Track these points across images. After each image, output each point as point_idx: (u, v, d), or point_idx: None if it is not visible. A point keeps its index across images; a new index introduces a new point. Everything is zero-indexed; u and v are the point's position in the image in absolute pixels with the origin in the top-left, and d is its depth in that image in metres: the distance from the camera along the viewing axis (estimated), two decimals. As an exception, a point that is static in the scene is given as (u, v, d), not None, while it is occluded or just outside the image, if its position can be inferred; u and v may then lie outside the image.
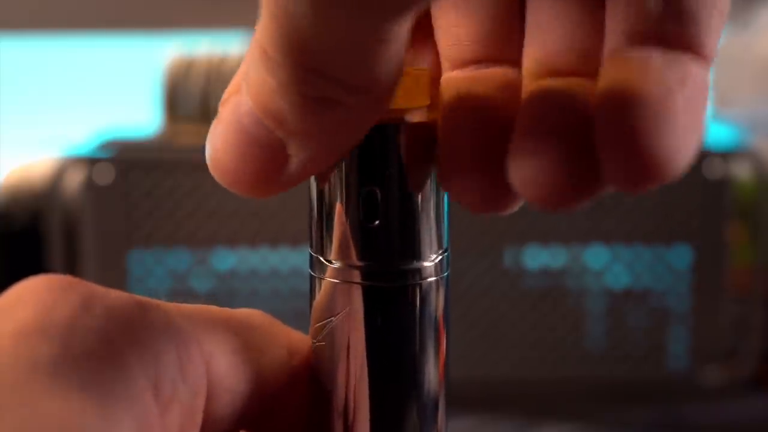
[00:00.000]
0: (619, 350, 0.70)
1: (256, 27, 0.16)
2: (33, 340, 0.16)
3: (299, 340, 0.20)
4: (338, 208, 0.18)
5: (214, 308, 0.19)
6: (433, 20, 0.20)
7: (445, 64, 0.20)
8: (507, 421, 0.64)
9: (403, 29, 0.16)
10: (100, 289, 0.17)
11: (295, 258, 0.68)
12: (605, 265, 0.69)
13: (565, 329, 0.69)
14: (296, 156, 0.17)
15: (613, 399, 0.68)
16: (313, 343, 0.20)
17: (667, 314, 0.69)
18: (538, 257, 0.69)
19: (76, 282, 0.17)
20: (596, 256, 0.69)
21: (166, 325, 0.17)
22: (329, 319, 0.19)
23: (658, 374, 0.70)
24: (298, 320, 0.70)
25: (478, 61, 0.19)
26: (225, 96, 0.18)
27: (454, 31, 0.20)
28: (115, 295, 0.17)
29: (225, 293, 0.68)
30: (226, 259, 0.68)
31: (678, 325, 0.69)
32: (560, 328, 0.69)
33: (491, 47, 0.19)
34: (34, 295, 0.17)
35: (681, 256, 0.69)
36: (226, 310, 0.19)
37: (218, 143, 0.18)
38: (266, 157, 0.17)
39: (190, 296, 0.67)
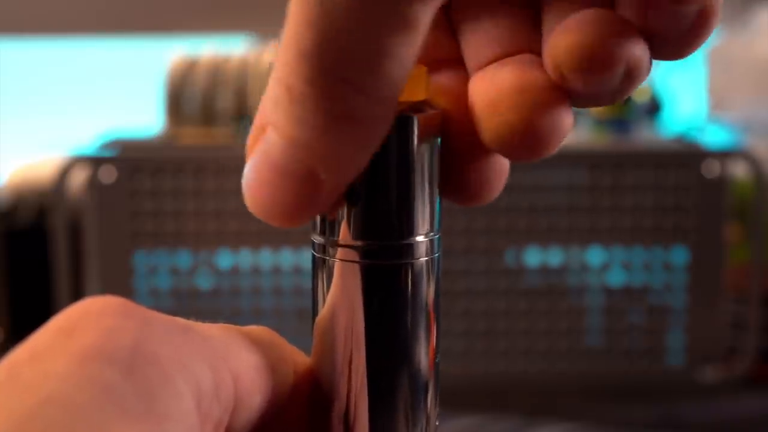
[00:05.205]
0: (618, 348, 0.70)
1: (273, 65, 0.18)
2: (99, 365, 0.17)
3: (301, 359, 0.21)
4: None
5: (233, 327, 0.20)
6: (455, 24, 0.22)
7: (469, 65, 0.21)
8: (507, 417, 0.65)
9: (425, 22, 0.17)
10: (151, 314, 0.18)
11: (296, 257, 0.68)
12: (605, 263, 0.70)
13: (564, 326, 0.70)
14: (328, 178, 0.18)
15: (612, 395, 0.69)
16: (314, 318, 0.21)
17: (665, 313, 0.70)
18: (538, 256, 0.69)
19: (131, 307, 0.18)
20: (596, 256, 0.70)
21: (203, 347, 0.19)
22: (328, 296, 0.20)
23: (656, 372, 0.71)
24: (300, 318, 0.70)
25: (498, 58, 0.21)
26: (250, 141, 0.19)
27: (473, 33, 0.21)
28: (164, 319, 0.18)
29: (227, 291, 0.68)
30: (229, 258, 0.68)
31: (676, 324, 0.70)
32: (560, 326, 0.70)
33: (511, 43, 0.21)
34: (94, 319, 0.18)
35: (679, 255, 0.69)
36: (241, 328, 0.21)
37: (254, 184, 0.19)
38: (300, 187, 0.18)
39: (193, 294, 0.68)
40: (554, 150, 0.19)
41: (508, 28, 0.20)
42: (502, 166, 0.21)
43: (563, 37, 0.18)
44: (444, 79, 0.21)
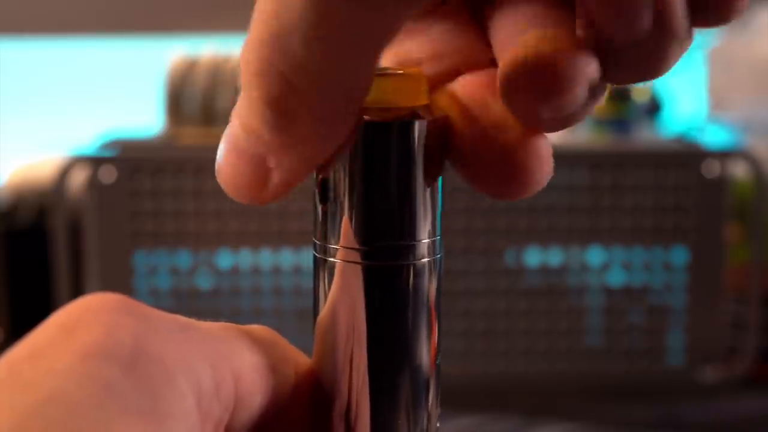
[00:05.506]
0: (618, 348, 0.70)
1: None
2: (100, 362, 0.17)
3: (302, 359, 0.21)
4: (338, 194, 0.20)
5: (234, 326, 0.20)
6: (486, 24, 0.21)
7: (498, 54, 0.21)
8: (507, 417, 0.65)
9: (387, 38, 0.17)
10: (151, 311, 0.18)
11: (296, 256, 0.68)
12: (605, 263, 0.70)
13: (564, 326, 0.70)
14: (276, 168, 0.19)
15: (612, 395, 0.69)
16: (315, 318, 0.21)
17: (665, 313, 0.70)
18: (538, 256, 0.69)
19: (132, 304, 0.18)
20: (596, 256, 0.70)
21: (204, 346, 0.19)
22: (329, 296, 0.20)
23: (656, 372, 0.71)
24: (300, 318, 0.70)
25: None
26: (231, 119, 0.20)
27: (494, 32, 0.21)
28: (165, 316, 0.19)
29: (227, 291, 0.68)
30: (229, 258, 0.68)
31: (676, 324, 0.70)
32: (560, 326, 0.70)
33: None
34: (94, 316, 0.18)
35: (679, 255, 0.69)
36: (242, 327, 0.21)
37: (220, 158, 0.20)
38: (253, 170, 0.19)
39: (193, 294, 0.68)
40: (571, 100, 0.18)
41: (538, 12, 0.19)
42: (541, 151, 0.20)
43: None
44: (455, 83, 0.21)
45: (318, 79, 0.17)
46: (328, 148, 0.19)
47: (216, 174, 0.20)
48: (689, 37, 0.18)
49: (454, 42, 0.21)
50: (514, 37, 0.19)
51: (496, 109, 0.20)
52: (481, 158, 0.20)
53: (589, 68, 0.18)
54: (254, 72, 0.18)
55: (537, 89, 0.18)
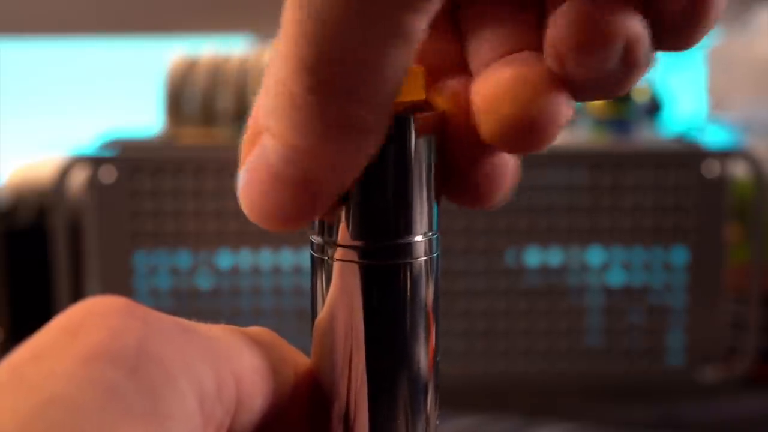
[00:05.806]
0: (618, 348, 0.70)
1: (272, 73, 0.18)
2: (102, 365, 0.17)
3: (302, 360, 0.21)
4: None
5: (234, 328, 0.20)
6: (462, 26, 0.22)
7: (474, 66, 0.21)
8: (507, 417, 0.65)
9: (420, 31, 0.17)
10: (154, 314, 0.18)
11: (296, 257, 0.68)
12: (605, 263, 0.70)
13: (564, 326, 0.70)
14: (326, 184, 0.19)
15: (612, 395, 0.69)
16: (314, 318, 0.21)
17: (665, 313, 0.70)
18: (538, 256, 0.69)
19: (134, 307, 0.18)
20: (596, 256, 0.70)
21: (206, 348, 0.19)
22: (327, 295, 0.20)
23: (656, 372, 0.71)
24: (300, 318, 0.70)
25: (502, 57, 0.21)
26: (245, 147, 0.20)
27: (478, 34, 0.21)
28: (167, 319, 0.19)
29: (227, 291, 0.68)
30: (229, 258, 0.68)
31: (676, 324, 0.70)
32: (560, 326, 0.70)
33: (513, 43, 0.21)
34: (98, 319, 0.18)
35: (679, 255, 0.69)
36: (242, 329, 0.21)
37: (252, 189, 0.19)
38: (299, 193, 0.19)
39: (193, 294, 0.68)
40: (552, 140, 0.19)
41: (513, 29, 0.20)
42: (508, 165, 0.21)
43: (559, 19, 0.18)
44: (449, 83, 0.21)
45: (372, 83, 0.18)
46: (374, 150, 0.19)
47: (246, 205, 0.19)
48: (652, 61, 0.19)
49: (437, 46, 0.21)
50: (489, 62, 0.20)
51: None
52: (465, 160, 0.20)
53: (565, 112, 0.19)
54: (306, 89, 0.18)
55: (517, 145, 0.19)
